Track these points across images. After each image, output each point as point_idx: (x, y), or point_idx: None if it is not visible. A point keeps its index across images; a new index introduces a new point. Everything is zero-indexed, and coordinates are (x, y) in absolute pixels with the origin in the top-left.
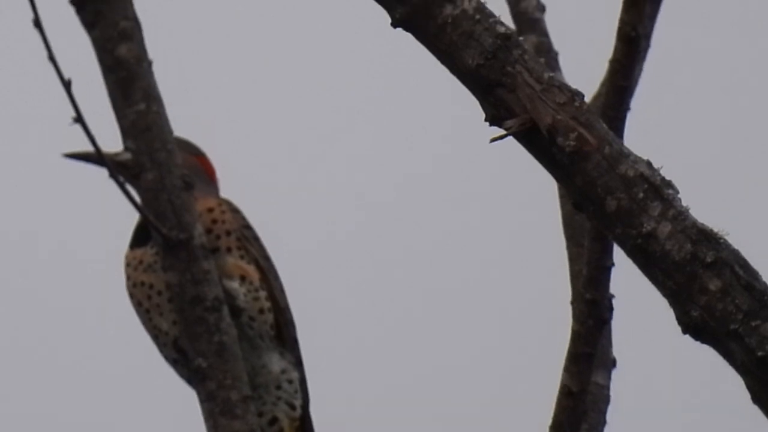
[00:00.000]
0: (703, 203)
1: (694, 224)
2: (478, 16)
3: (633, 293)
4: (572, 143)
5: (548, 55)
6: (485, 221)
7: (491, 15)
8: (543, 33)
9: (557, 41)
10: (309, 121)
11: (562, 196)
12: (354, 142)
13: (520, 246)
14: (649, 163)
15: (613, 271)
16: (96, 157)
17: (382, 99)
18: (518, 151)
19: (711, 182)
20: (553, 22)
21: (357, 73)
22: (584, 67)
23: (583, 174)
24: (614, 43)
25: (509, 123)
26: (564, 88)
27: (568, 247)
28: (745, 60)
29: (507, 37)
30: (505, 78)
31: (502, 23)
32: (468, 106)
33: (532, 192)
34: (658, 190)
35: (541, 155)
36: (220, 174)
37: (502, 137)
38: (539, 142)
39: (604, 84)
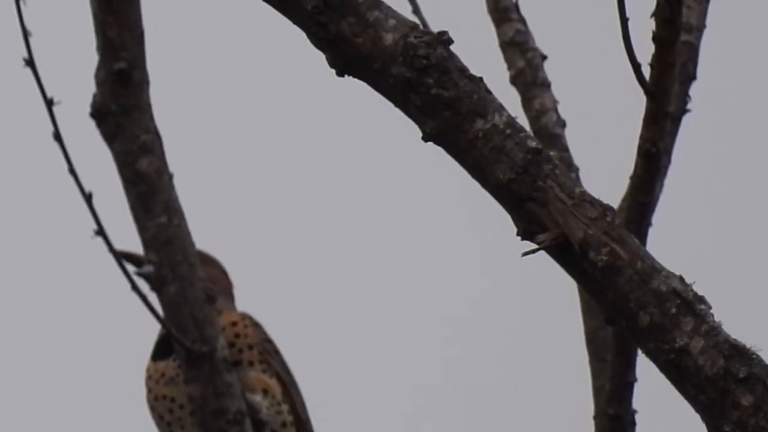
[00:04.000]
0: (736, 319)
1: (727, 340)
2: (508, 131)
3: (655, 409)
4: (604, 258)
5: (569, 170)
6: (508, 336)
7: (521, 129)
8: (564, 148)
9: (578, 156)
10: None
11: (585, 312)
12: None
13: (543, 361)
14: (681, 279)
15: (636, 387)
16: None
17: (397, 216)
18: (542, 267)
19: (740, 297)
20: (573, 137)
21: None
22: (605, 182)
23: (616, 289)
24: (635, 159)
25: (541, 237)
26: (595, 203)
27: (591, 363)
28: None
29: (538, 151)
30: (537, 192)
31: (532, 138)
32: (493, 219)
33: (554, 308)
34: (690, 305)
35: (573, 270)
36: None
37: (533, 251)
38: (571, 256)
39: (625, 199)
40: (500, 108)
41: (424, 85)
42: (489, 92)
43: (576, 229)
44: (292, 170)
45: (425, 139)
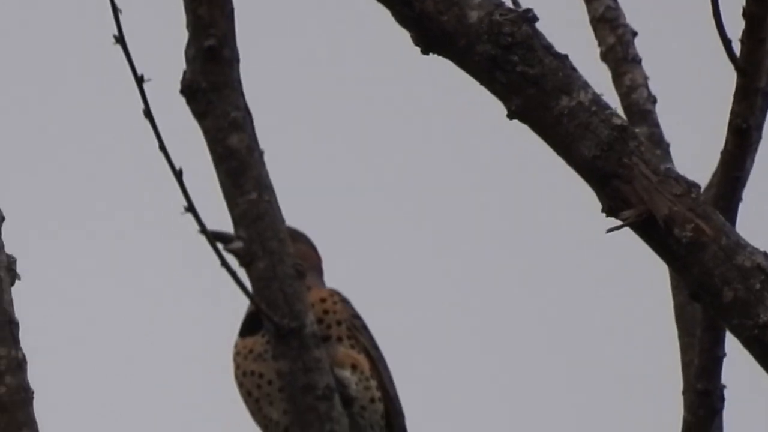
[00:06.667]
0: None
1: None
2: (594, 108)
3: (745, 384)
4: (689, 234)
5: (659, 146)
6: (598, 312)
7: (607, 107)
8: (654, 124)
9: (668, 132)
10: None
11: (674, 287)
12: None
13: (632, 336)
14: (766, 254)
15: (725, 362)
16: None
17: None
18: (631, 242)
19: None
20: (664, 113)
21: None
22: (696, 158)
23: (700, 265)
24: (726, 135)
25: (626, 214)
26: (680, 179)
27: (680, 338)
28: None
29: (623, 128)
30: (622, 169)
31: (618, 115)
32: (579, 195)
33: (644, 283)
34: None
35: (658, 246)
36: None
37: (618, 228)
38: (656, 233)
39: (715, 175)
40: (585, 85)
41: (509, 62)
42: (574, 69)
43: (661, 205)
44: (381, 147)
45: (510, 116)
